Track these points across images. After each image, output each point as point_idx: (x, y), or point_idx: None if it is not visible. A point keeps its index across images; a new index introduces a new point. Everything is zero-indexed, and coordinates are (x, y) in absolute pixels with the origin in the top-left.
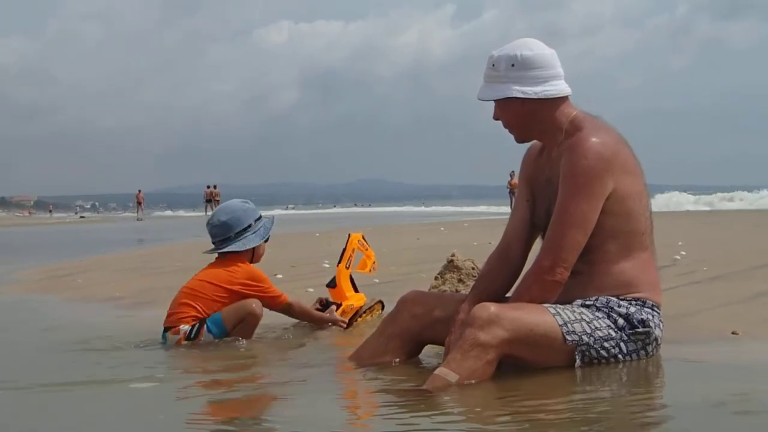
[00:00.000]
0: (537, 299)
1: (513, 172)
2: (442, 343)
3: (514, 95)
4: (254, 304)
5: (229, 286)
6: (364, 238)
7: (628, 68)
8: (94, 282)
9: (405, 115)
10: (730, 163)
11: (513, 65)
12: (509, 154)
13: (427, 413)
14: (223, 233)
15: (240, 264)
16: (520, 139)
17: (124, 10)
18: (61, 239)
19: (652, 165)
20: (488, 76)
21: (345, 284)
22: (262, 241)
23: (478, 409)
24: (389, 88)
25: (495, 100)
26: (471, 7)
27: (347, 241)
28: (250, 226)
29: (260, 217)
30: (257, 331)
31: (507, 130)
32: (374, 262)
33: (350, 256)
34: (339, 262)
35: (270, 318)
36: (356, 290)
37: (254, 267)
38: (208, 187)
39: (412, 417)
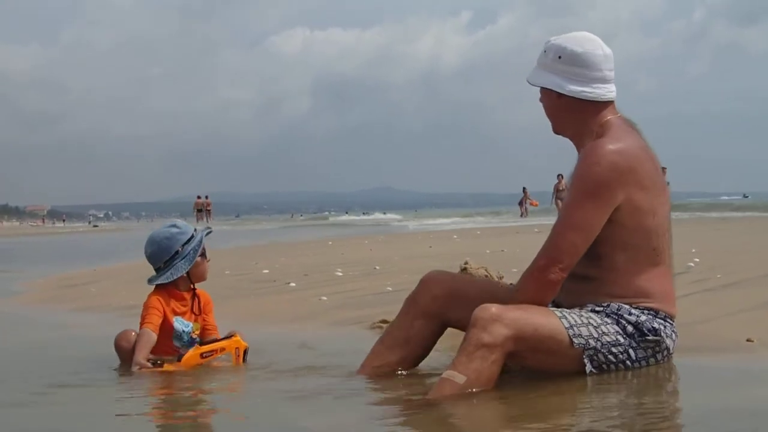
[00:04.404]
0: (531, 299)
1: (560, 175)
2: (463, 326)
3: (551, 87)
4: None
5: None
6: (245, 352)
7: (644, 74)
8: (106, 291)
9: (417, 123)
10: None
11: (560, 57)
12: (520, 163)
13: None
14: (154, 265)
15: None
16: (554, 130)
17: (138, 17)
18: (74, 248)
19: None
20: (539, 60)
21: (189, 361)
22: (189, 267)
23: (488, 426)
24: (402, 95)
25: (537, 85)
26: (486, 13)
27: (228, 337)
28: (177, 252)
29: (191, 237)
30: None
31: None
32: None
33: (217, 352)
34: (202, 344)
35: (282, 329)
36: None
37: (152, 297)
38: (199, 197)
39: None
